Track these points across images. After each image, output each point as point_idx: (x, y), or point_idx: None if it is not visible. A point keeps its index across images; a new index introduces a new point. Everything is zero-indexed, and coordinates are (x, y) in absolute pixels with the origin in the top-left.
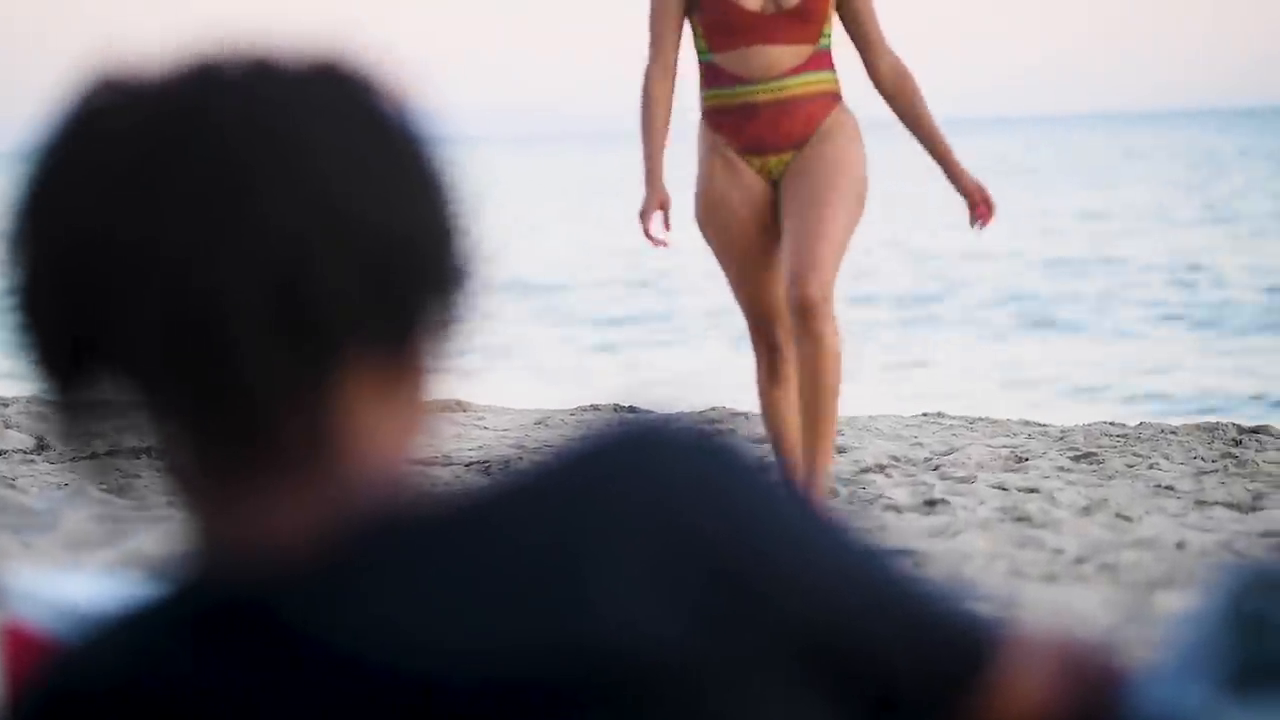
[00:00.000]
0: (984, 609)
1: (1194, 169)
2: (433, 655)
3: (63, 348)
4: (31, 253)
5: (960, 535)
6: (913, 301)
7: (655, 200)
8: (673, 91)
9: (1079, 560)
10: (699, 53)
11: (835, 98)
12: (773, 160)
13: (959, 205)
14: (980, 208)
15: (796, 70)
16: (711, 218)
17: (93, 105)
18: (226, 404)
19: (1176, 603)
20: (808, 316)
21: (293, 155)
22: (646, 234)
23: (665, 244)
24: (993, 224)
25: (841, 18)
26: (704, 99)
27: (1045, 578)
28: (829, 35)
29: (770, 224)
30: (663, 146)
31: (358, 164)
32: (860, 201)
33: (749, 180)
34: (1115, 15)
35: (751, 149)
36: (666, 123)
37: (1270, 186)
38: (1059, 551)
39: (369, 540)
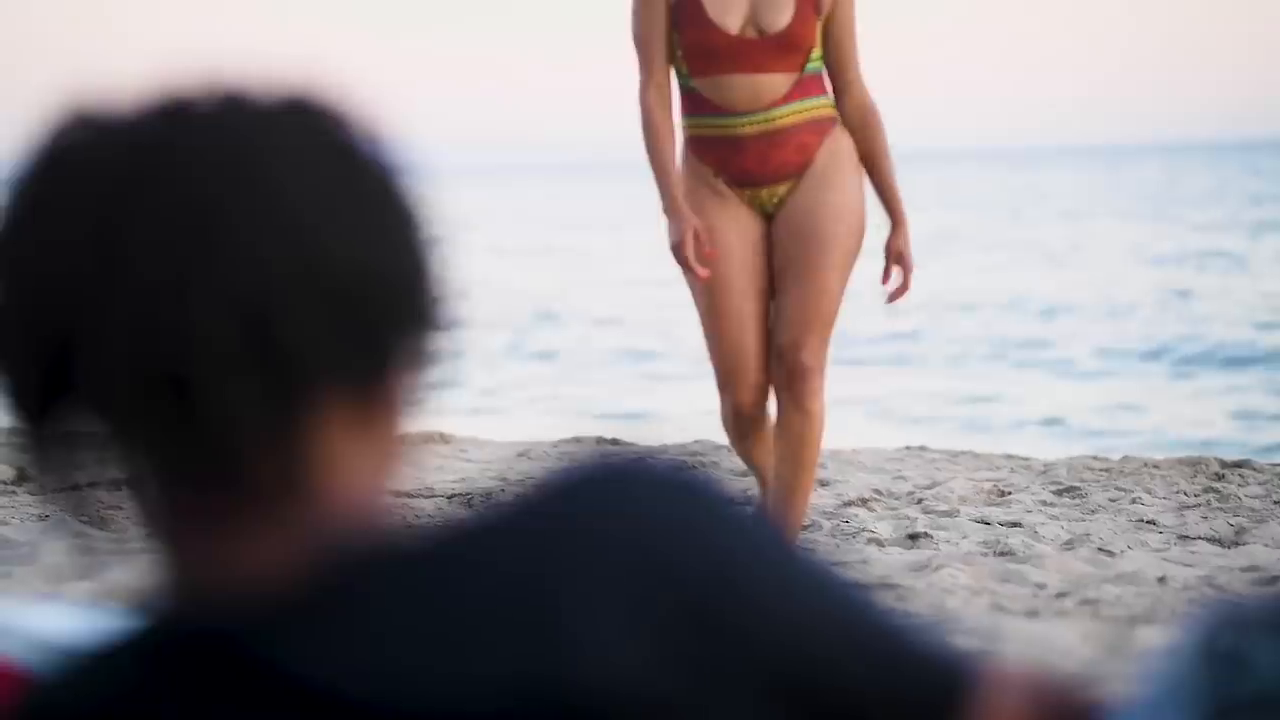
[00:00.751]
0: (965, 643)
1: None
2: (407, 690)
3: (34, 384)
4: (0, 288)
5: (943, 569)
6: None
7: (687, 226)
8: (670, 108)
9: (1061, 595)
10: (679, 76)
11: (830, 122)
12: (764, 193)
13: (954, 238)
14: (899, 278)
15: (785, 100)
16: (695, 249)
17: (62, 141)
18: (196, 443)
19: (1158, 638)
20: (799, 385)
21: (263, 191)
22: (685, 265)
23: (703, 274)
24: (900, 301)
25: (822, 40)
26: (686, 125)
27: (1027, 612)
28: (818, 59)
29: (761, 265)
30: (675, 170)
31: (328, 199)
32: (857, 248)
33: (739, 214)
34: (1156, 46)
35: (740, 181)
36: (673, 145)
37: (1244, 218)
38: (1041, 586)
39: (344, 575)
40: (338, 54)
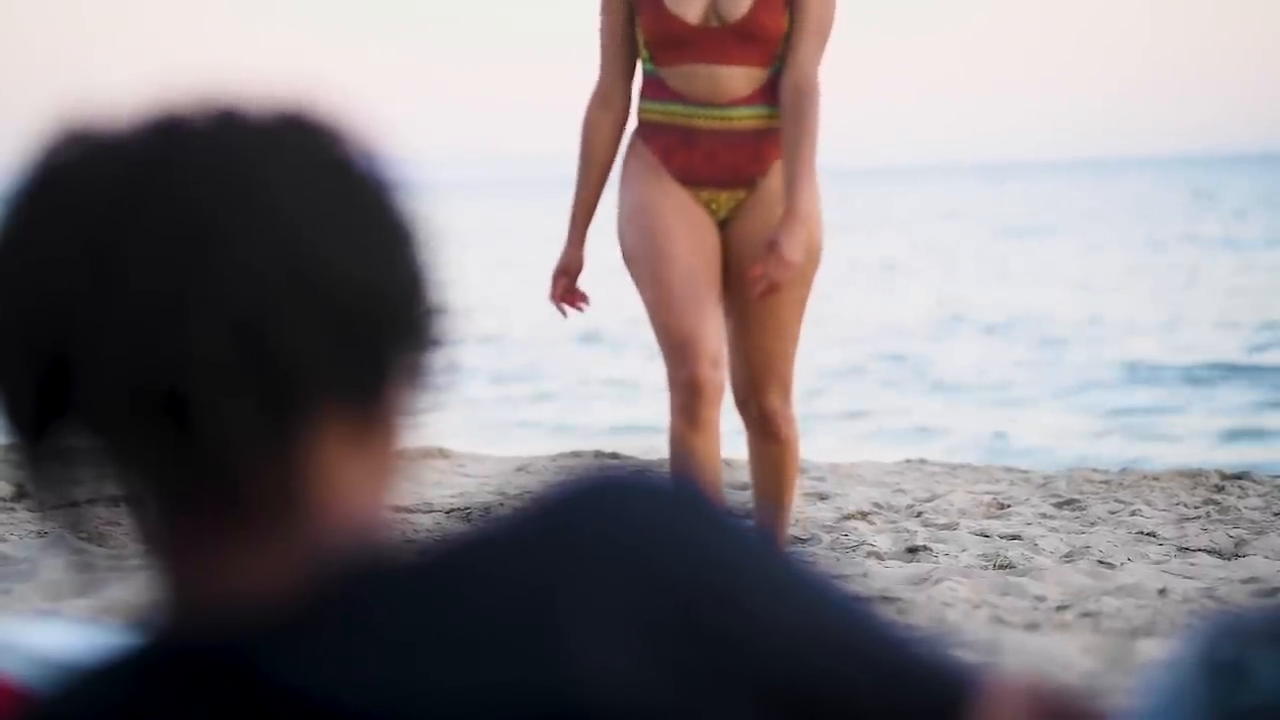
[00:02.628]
0: (964, 656)
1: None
2: (407, 703)
3: (30, 402)
4: None
5: (942, 582)
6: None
7: (567, 260)
8: (617, 125)
9: (1061, 607)
10: (643, 63)
11: None
12: (704, 195)
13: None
14: (771, 267)
15: (746, 100)
16: (633, 221)
17: (57, 158)
18: (193, 459)
19: (1159, 650)
20: (769, 425)
21: (259, 207)
22: (551, 297)
23: (566, 314)
24: (760, 289)
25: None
26: (641, 109)
27: (1027, 625)
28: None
29: (703, 241)
30: (595, 193)
31: (324, 214)
32: (814, 276)
33: (682, 195)
34: (1167, 58)
35: (680, 179)
36: (605, 164)
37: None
38: (1041, 598)
39: (342, 590)
40: (332, 68)
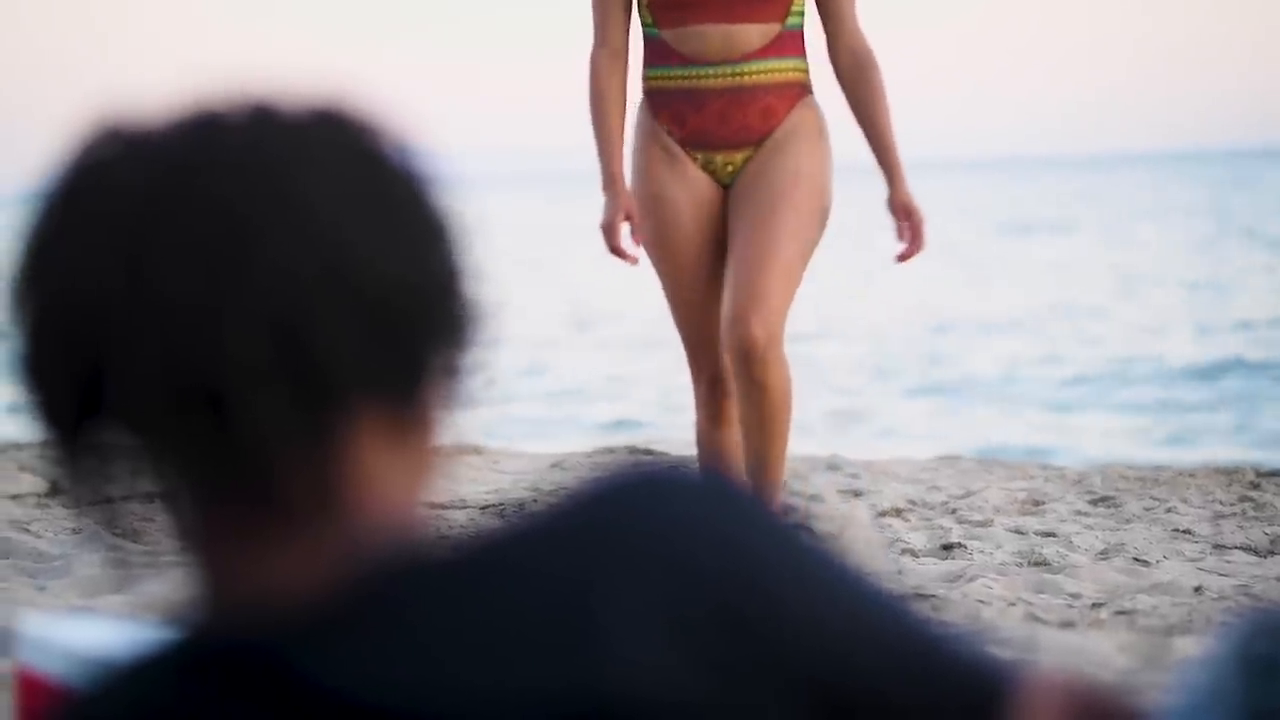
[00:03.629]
0: (999, 653)
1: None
2: (443, 700)
3: (65, 402)
4: (33, 305)
5: (977, 580)
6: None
7: (619, 208)
8: (625, 79)
9: (1096, 605)
10: (644, 26)
11: (802, 89)
12: (719, 158)
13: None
14: (909, 235)
15: (759, 54)
16: (648, 217)
17: (94, 156)
18: (229, 458)
19: (1194, 648)
20: (750, 361)
21: (294, 203)
22: (613, 249)
23: (635, 259)
24: (915, 258)
25: None
26: (645, 78)
27: (1062, 623)
28: (800, 13)
29: (718, 234)
30: (621, 145)
31: (360, 211)
32: (822, 219)
33: (693, 177)
34: (1161, 54)
35: (695, 143)
36: (622, 117)
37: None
38: (1076, 596)
39: (379, 587)
40: (366, 63)
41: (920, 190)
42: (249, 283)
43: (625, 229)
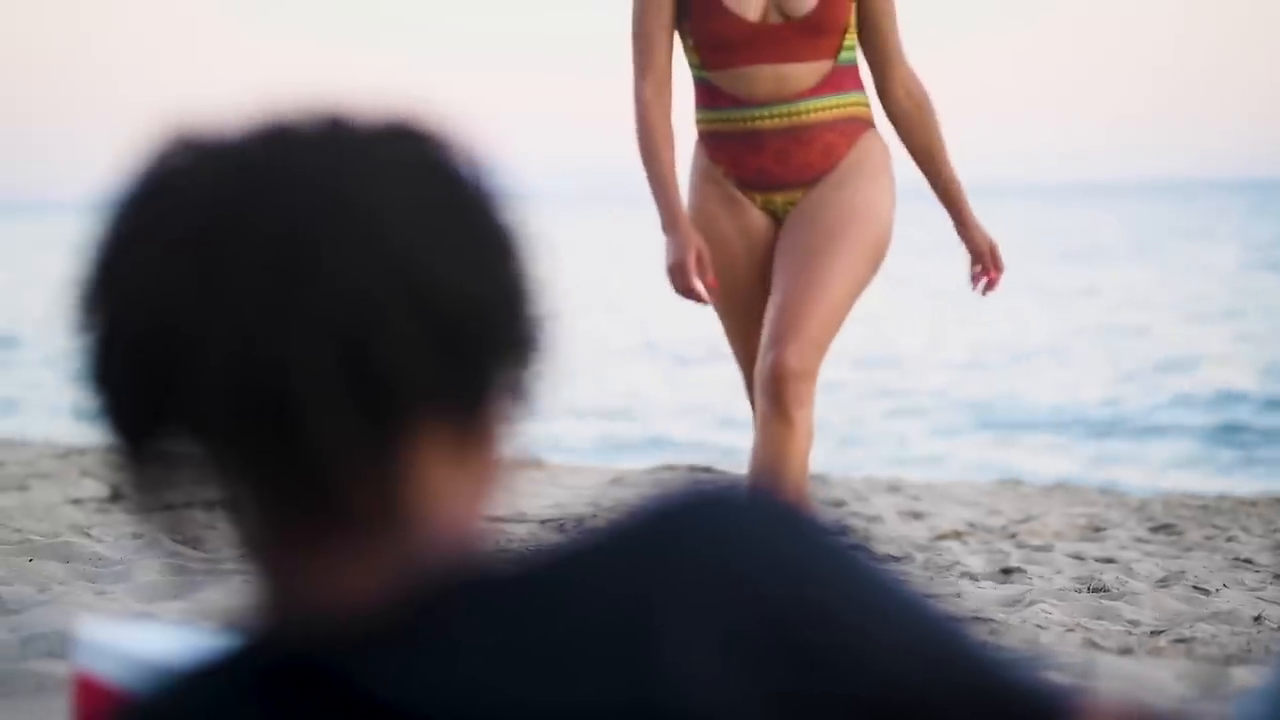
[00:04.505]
0: (1057, 679)
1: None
2: (501, 715)
3: (132, 408)
4: (102, 314)
5: (1035, 605)
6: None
7: (688, 246)
8: (671, 111)
9: (1155, 632)
10: (691, 68)
11: (864, 124)
12: (779, 198)
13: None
14: (989, 269)
15: (813, 92)
16: (700, 272)
17: (165, 165)
18: (294, 469)
19: (1252, 678)
20: (781, 390)
21: (364, 216)
22: (683, 290)
23: (705, 300)
24: (998, 288)
25: (858, 23)
26: (699, 120)
27: (1121, 649)
28: (852, 48)
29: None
30: (675, 180)
31: (429, 225)
32: (876, 257)
33: (752, 218)
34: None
35: (754, 184)
36: (673, 150)
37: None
38: (1135, 623)
39: (439, 600)
40: (439, 77)
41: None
42: (317, 295)
43: (695, 266)
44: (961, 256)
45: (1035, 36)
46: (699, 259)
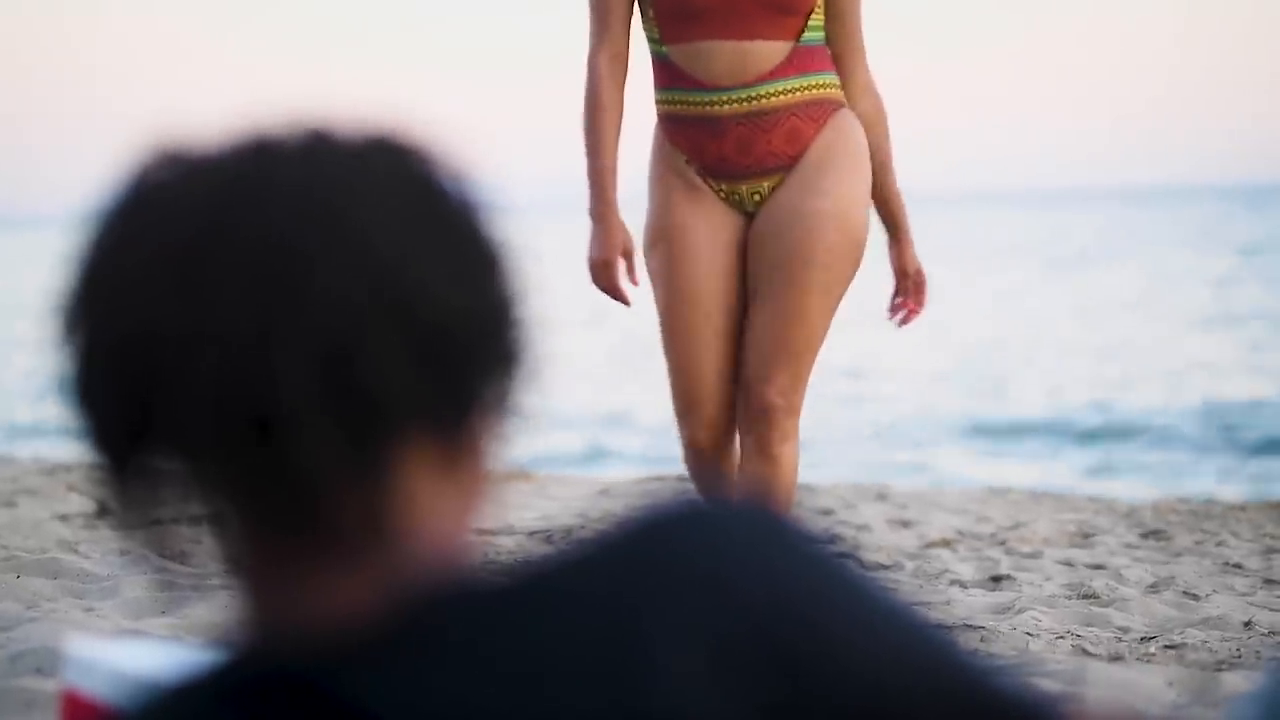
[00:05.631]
0: (1047, 686)
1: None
2: None
3: (115, 423)
4: (85, 330)
5: (1025, 612)
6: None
7: (611, 241)
8: (623, 84)
9: (1145, 639)
10: (650, 41)
11: (832, 106)
12: (744, 188)
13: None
14: (908, 297)
15: (775, 74)
16: (662, 249)
17: (149, 179)
18: (279, 483)
19: (1243, 683)
20: (765, 426)
21: (348, 231)
22: (605, 288)
23: (628, 301)
24: (915, 321)
25: (825, 12)
26: (658, 101)
27: (1111, 656)
28: (819, 29)
29: (734, 275)
30: (614, 165)
31: (413, 239)
32: (854, 262)
33: (716, 215)
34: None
35: (716, 172)
36: (618, 130)
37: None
38: (1125, 630)
39: (426, 614)
40: (421, 92)
41: (966, 223)
42: (302, 310)
43: (620, 267)
44: (954, 260)
45: (1034, 40)
46: (626, 257)
